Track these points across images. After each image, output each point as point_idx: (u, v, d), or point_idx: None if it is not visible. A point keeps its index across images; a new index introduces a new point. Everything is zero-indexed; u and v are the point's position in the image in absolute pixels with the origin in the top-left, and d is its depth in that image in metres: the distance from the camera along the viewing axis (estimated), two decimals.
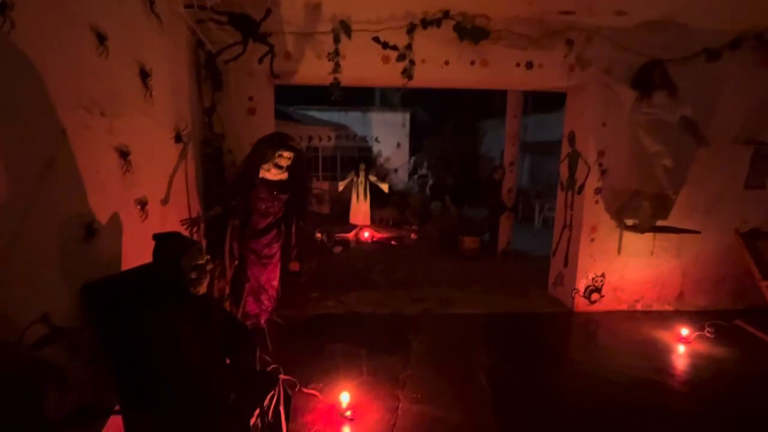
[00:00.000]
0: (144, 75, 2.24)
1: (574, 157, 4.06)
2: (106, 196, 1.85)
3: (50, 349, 1.30)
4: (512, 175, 6.40)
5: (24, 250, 1.34)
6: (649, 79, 3.46)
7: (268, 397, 1.82)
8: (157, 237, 1.70)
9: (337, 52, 3.50)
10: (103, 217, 1.81)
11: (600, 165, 3.87)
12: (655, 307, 4.13)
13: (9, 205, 1.29)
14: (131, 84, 2.16)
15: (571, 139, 4.12)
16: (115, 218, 1.92)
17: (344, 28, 3.43)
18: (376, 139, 11.76)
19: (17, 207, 1.32)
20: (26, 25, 1.35)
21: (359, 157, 9.96)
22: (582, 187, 3.96)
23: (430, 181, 10.56)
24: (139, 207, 2.17)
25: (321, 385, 2.65)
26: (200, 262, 1.69)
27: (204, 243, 3.10)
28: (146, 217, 2.23)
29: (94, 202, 1.73)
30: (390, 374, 2.82)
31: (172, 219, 2.62)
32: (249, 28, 3.16)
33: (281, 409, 1.91)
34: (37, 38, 1.43)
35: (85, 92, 1.70)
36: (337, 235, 7.03)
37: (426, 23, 3.48)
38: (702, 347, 3.35)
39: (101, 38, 1.81)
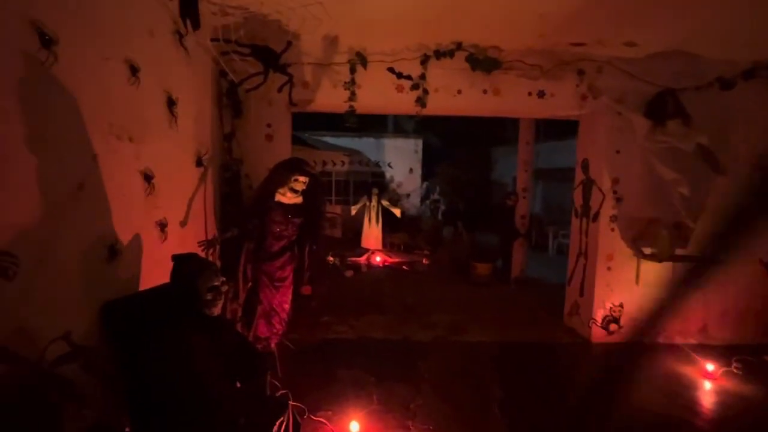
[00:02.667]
0: (170, 103, 2.36)
1: (588, 185, 4.04)
2: (130, 218, 1.92)
3: (68, 367, 1.33)
4: (525, 201, 6.38)
5: (51, 268, 1.39)
6: (662, 108, 3.48)
7: (277, 423, 1.80)
8: (175, 258, 1.75)
9: (353, 82, 3.63)
10: (125, 238, 1.87)
11: (615, 192, 3.84)
12: (678, 340, 3.96)
13: (40, 225, 1.35)
14: (158, 112, 2.28)
15: (585, 166, 4.11)
16: (136, 239, 1.98)
17: (360, 59, 3.57)
18: (389, 165, 11.92)
19: (48, 227, 1.39)
20: (68, 58, 1.46)
21: (372, 181, 10.10)
22: (597, 214, 3.92)
23: (442, 207, 10.58)
24: (159, 228, 2.24)
25: (330, 412, 2.60)
26: (216, 283, 1.72)
27: (219, 265, 3.14)
28: (165, 238, 2.29)
29: (118, 224, 1.80)
30: (400, 403, 2.75)
31: (189, 240, 2.69)
32: (270, 60, 3.33)
33: None
34: (77, 70, 1.54)
35: (116, 120, 1.80)
36: (349, 259, 7.03)
37: (439, 54, 3.60)
38: (729, 384, 3.18)
39: (134, 70, 1.93)
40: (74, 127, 1.55)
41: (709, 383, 3.20)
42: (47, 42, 1.37)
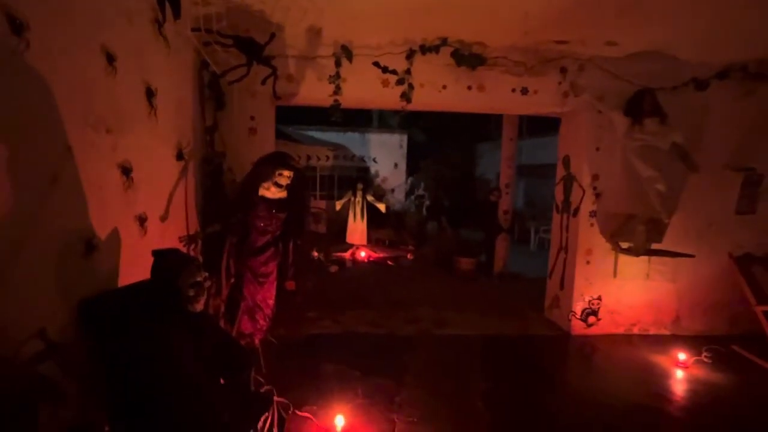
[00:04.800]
0: (150, 94, 2.29)
1: (569, 181, 4.13)
2: (107, 212, 1.86)
3: (45, 365, 1.29)
4: (508, 197, 6.48)
5: (24, 264, 1.33)
6: (639, 106, 3.58)
7: (262, 419, 1.79)
8: (156, 253, 1.71)
9: (338, 75, 3.60)
10: (103, 233, 1.81)
11: (594, 188, 3.94)
12: (652, 331, 4.12)
13: (12, 219, 1.29)
14: (137, 103, 2.20)
15: (566, 162, 4.20)
16: (114, 234, 1.92)
17: (346, 52, 3.54)
18: (374, 160, 11.88)
19: (20, 221, 1.33)
20: (40, 45, 1.40)
21: (357, 176, 10.05)
22: (577, 210, 4.02)
23: (427, 202, 10.63)
24: (138, 223, 2.18)
25: (315, 407, 2.60)
26: (198, 279, 1.69)
27: (201, 260, 3.08)
28: (145, 233, 2.23)
29: (95, 218, 1.74)
30: (385, 396, 2.77)
31: (170, 235, 2.62)
32: (253, 51, 3.26)
33: (275, 431, 1.87)
34: (50, 58, 1.47)
35: (92, 110, 1.74)
36: (333, 254, 7.01)
37: (425, 49, 3.60)
38: (699, 372, 3.33)
39: (110, 58, 1.86)
40: (47, 118, 1.48)
41: (680, 372, 3.34)
42: (18, 27, 1.30)
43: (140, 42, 2.24)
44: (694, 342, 3.81)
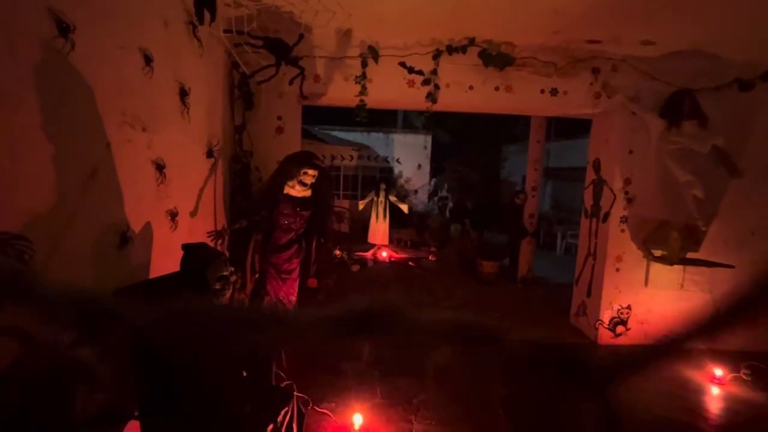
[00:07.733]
0: (183, 94, 2.38)
1: (599, 185, 4.00)
2: (141, 207, 1.94)
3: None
4: (534, 200, 6.32)
5: (63, 253, 1.41)
6: (678, 108, 3.42)
7: (282, 413, 1.82)
8: (186, 247, 1.76)
9: (364, 76, 3.62)
10: (136, 226, 1.89)
11: (626, 193, 3.79)
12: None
13: (55, 211, 1.37)
14: (171, 102, 2.29)
15: (596, 166, 4.06)
16: (147, 228, 2.01)
17: (372, 53, 3.56)
18: (398, 160, 11.89)
19: (62, 213, 1.41)
20: (84, 46, 1.47)
21: (380, 177, 10.09)
22: (607, 215, 3.88)
23: (450, 204, 10.53)
24: (169, 218, 2.26)
25: (334, 404, 2.62)
26: (225, 273, 1.74)
27: (228, 255, 3.17)
28: (176, 227, 2.32)
29: (130, 212, 1.82)
30: (404, 398, 2.76)
31: (199, 230, 2.71)
32: (282, 52, 3.32)
33: (294, 426, 1.90)
34: (93, 59, 1.55)
35: (130, 109, 1.82)
36: (355, 253, 7.05)
37: (452, 49, 3.57)
38: (737, 390, 3.14)
39: (147, 59, 1.94)
40: (89, 115, 1.57)
41: (717, 388, 3.17)
42: (64, 30, 1.38)
43: (175, 44, 2.33)
44: (732, 357, 3.59)
